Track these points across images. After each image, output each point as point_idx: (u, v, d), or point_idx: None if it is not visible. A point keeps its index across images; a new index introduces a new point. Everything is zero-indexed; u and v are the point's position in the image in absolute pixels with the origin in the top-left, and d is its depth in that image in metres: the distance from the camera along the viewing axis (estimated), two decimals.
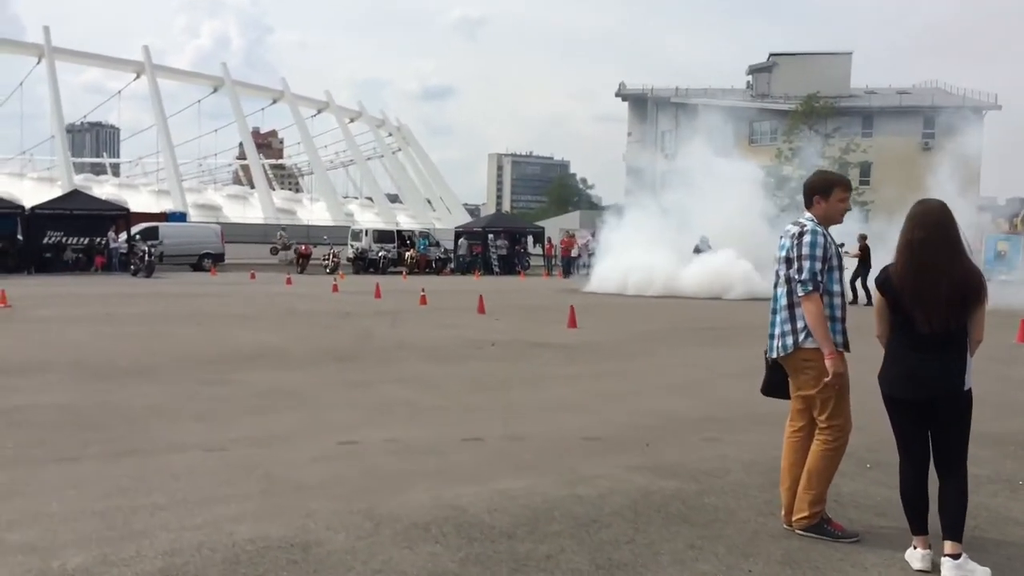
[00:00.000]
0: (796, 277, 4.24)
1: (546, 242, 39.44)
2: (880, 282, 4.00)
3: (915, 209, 3.93)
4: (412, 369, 9.76)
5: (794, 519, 4.37)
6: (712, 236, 24.29)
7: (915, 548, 3.99)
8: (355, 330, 13.72)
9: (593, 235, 41.48)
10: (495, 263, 36.78)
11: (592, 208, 76.62)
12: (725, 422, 7.14)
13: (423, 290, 19.60)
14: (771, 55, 67.39)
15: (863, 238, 21.12)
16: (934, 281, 3.78)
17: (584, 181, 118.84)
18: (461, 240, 37.88)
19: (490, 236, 37.45)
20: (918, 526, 3.99)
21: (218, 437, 6.25)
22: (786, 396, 4.58)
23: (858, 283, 20.53)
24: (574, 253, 38.79)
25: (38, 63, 78.55)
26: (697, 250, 24.47)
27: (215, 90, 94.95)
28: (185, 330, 13.22)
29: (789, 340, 4.31)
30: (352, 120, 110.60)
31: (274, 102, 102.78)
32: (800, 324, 4.28)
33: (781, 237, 4.44)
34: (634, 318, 16.85)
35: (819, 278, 4.23)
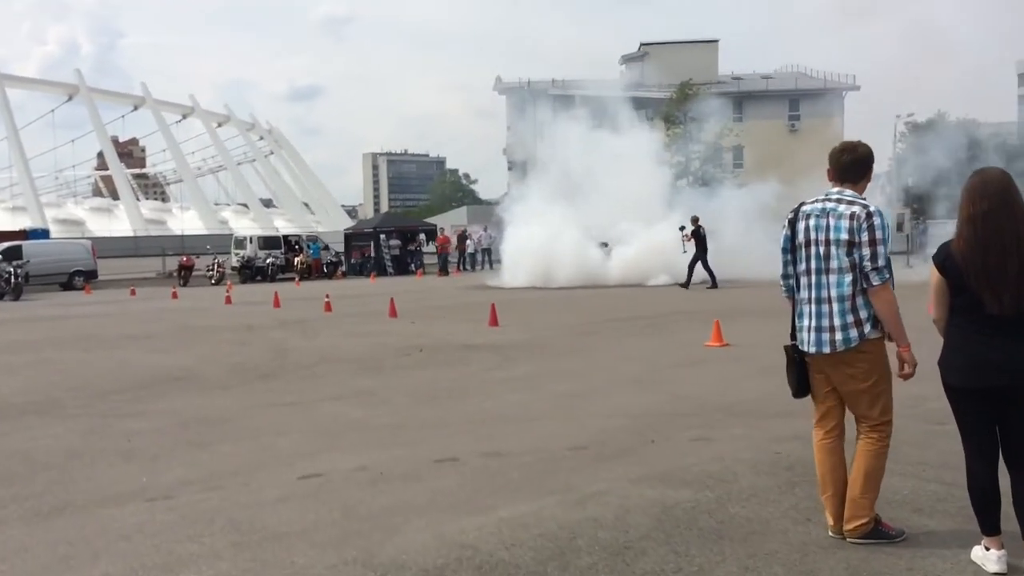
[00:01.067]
0: (869, 264, 3.83)
1: (439, 236, 38.71)
2: (940, 261, 3.64)
3: (973, 180, 3.59)
4: (346, 383, 9.03)
5: (851, 527, 3.98)
6: (614, 215, 24.23)
7: (987, 549, 3.67)
8: (266, 344, 12.79)
9: (486, 229, 41.10)
10: (389, 264, 35.85)
11: (478, 203, 76.28)
12: (700, 418, 6.79)
13: (327, 296, 18.68)
14: (642, 45, 68.75)
15: (695, 220, 21.63)
16: (1002, 257, 3.45)
17: (467, 176, 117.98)
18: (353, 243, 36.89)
19: (382, 237, 36.45)
20: (990, 525, 3.67)
21: (158, 481, 5.44)
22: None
23: (699, 265, 21.20)
24: (469, 249, 38.35)
25: None
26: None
27: (70, 98, 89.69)
28: (75, 356, 11.99)
29: (853, 333, 3.89)
30: (220, 124, 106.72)
31: (135, 108, 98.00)
32: (864, 314, 3.89)
33: (825, 217, 3.96)
34: (553, 312, 16.50)
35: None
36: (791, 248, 4.10)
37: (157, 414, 7.64)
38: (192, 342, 13.37)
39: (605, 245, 24.56)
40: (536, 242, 24.10)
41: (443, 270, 34.32)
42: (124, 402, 8.30)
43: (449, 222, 49.96)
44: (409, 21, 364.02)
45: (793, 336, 4.17)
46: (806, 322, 4.04)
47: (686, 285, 21.06)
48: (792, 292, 4.17)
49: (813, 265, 4.00)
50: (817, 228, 3.97)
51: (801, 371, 4.14)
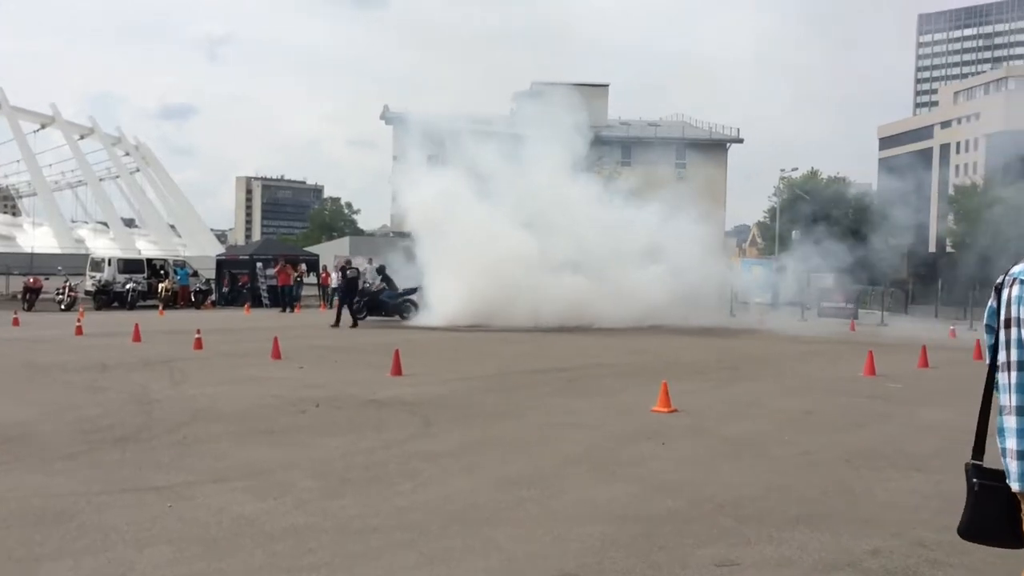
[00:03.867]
0: None
1: (322, 271, 36.36)
2: None
3: None
4: (229, 455, 7.15)
5: None
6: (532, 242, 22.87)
7: None
8: (125, 390, 10.62)
9: (371, 262, 39.04)
10: (265, 296, 33.25)
11: (359, 234, 73.83)
12: (703, 524, 5.35)
13: (198, 331, 16.42)
14: (533, 84, 68.73)
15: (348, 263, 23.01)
16: None
17: (349, 206, 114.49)
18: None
19: (259, 264, 33.88)
20: None
21: None
22: (1007, 542, 2.79)
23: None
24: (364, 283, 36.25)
25: None
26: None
27: None
28: None
29: None
30: (83, 137, 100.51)
31: None
32: None
33: (1007, 287, 2.66)
34: (460, 359, 14.88)
35: None
36: (996, 326, 2.72)
37: None
38: (31, 385, 11.03)
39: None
40: (437, 278, 22.48)
41: (330, 303, 31.83)
42: None
43: (331, 252, 47.56)
44: (290, 46, 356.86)
45: (978, 452, 2.77)
46: (1010, 443, 2.64)
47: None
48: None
49: (1015, 356, 2.63)
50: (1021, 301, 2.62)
51: (985, 505, 2.73)
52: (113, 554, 4.66)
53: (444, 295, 23.35)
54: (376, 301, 23.54)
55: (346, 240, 62.36)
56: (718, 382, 12.28)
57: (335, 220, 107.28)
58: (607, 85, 73.39)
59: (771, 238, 62.77)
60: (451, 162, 25.83)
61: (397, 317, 23.66)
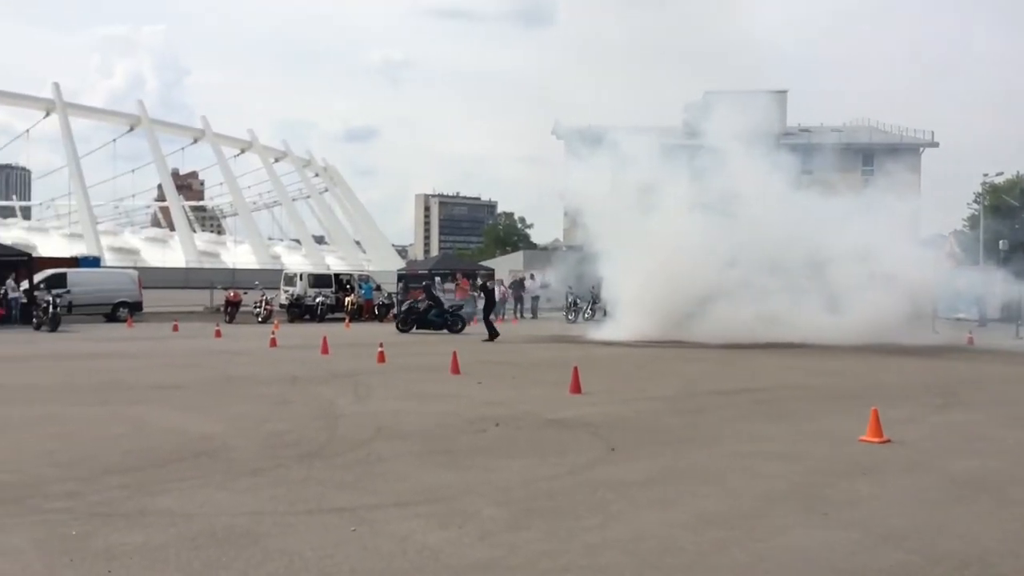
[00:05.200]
0: None
1: (497, 285, 36.72)
2: None
3: None
4: (412, 477, 6.96)
5: None
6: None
7: None
8: (312, 405, 10.81)
9: (532, 276, 39.01)
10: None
11: (532, 248, 74.48)
12: None
13: (380, 345, 16.73)
14: (706, 93, 66.92)
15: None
16: None
17: (522, 220, 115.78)
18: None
19: (437, 279, 34.60)
20: None
21: None
22: None
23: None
24: (530, 294, 36.42)
25: None
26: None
27: (131, 129, 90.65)
28: (87, 412, 10.12)
29: None
30: (277, 160, 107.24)
31: (195, 141, 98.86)
32: None
33: None
34: (641, 377, 14.32)
35: None
36: None
37: (159, 517, 5.64)
38: (226, 398, 11.45)
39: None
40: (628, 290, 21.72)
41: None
42: (123, 491, 6.32)
43: (506, 266, 48.00)
44: (462, 67, 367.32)
45: None
46: None
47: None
48: None
49: None
50: None
51: None
52: None
53: (624, 309, 22.80)
54: (424, 320, 24.44)
55: (520, 254, 62.90)
56: (931, 408, 11.08)
57: (509, 234, 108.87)
58: (785, 91, 70.39)
59: (972, 248, 57.83)
60: (626, 173, 25.25)
61: (445, 330, 24.18)
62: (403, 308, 25.15)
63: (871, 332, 20.04)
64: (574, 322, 31.19)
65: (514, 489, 6.54)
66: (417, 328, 24.30)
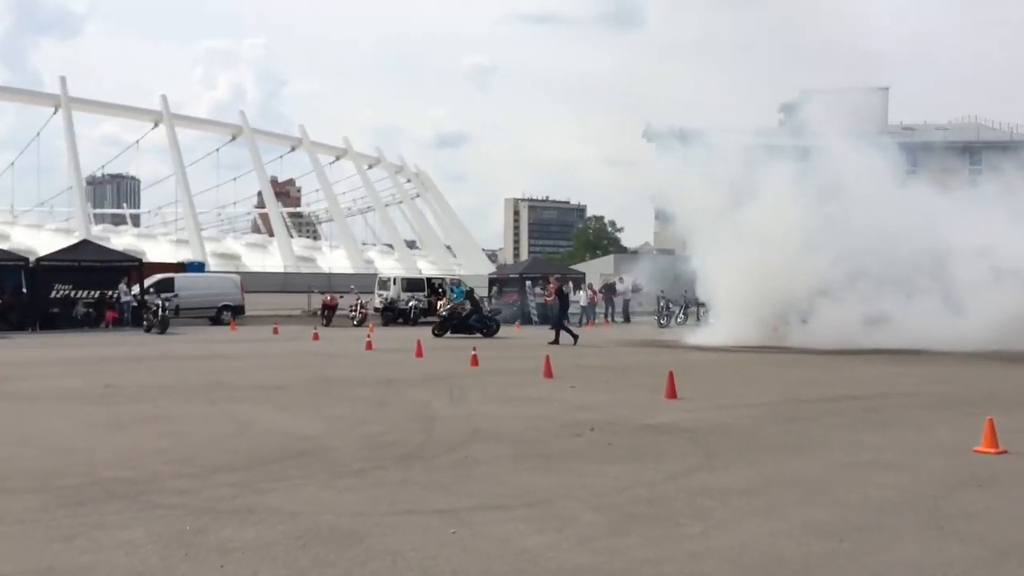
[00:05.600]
0: None
1: (587, 289, 36.58)
2: None
3: None
4: (508, 479, 6.97)
5: None
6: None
7: None
8: (408, 407, 10.97)
9: (621, 280, 38.61)
10: (534, 312, 33.97)
11: (623, 251, 73.95)
12: None
13: (473, 349, 16.86)
14: (803, 91, 65.17)
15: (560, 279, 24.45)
16: None
17: (612, 224, 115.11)
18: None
19: (527, 283, 34.71)
20: None
21: None
22: None
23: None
24: (622, 297, 36.15)
25: (55, 113, 77.50)
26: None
27: (233, 138, 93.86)
28: (196, 412, 10.52)
29: None
30: (371, 166, 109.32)
31: (292, 150, 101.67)
32: None
33: None
34: (739, 383, 14.03)
35: None
36: None
37: (268, 515, 5.80)
38: (325, 399, 11.72)
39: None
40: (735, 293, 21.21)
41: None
42: (232, 488, 6.53)
43: (596, 270, 47.83)
44: (551, 71, 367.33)
45: None
46: None
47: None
48: None
49: None
50: None
51: None
52: None
53: (719, 313, 22.39)
54: (465, 324, 24.55)
55: (610, 258, 62.64)
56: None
57: (599, 238, 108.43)
58: (887, 88, 68.01)
59: None
60: (719, 174, 24.81)
61: (479, 334, 24.22)
62: (444, 314, 25.12)
63: (994, 337, 18.63)
64: (666, 326, 30.82)
65: (612, 494, 6.48)
66: (452, 332, 24.41)
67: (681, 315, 32.48)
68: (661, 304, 32.75)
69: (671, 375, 12.02)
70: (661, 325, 31.33)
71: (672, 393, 11.71)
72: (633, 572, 4.74)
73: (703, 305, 29.84)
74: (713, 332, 22.25)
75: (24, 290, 27.41)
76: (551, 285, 31.40)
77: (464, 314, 24.79)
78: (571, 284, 34.48)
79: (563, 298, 23.63)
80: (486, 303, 35.28)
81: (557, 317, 23.20)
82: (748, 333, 21.00)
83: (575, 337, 21.98)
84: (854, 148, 22.59)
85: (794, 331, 20.66)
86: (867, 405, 11.32)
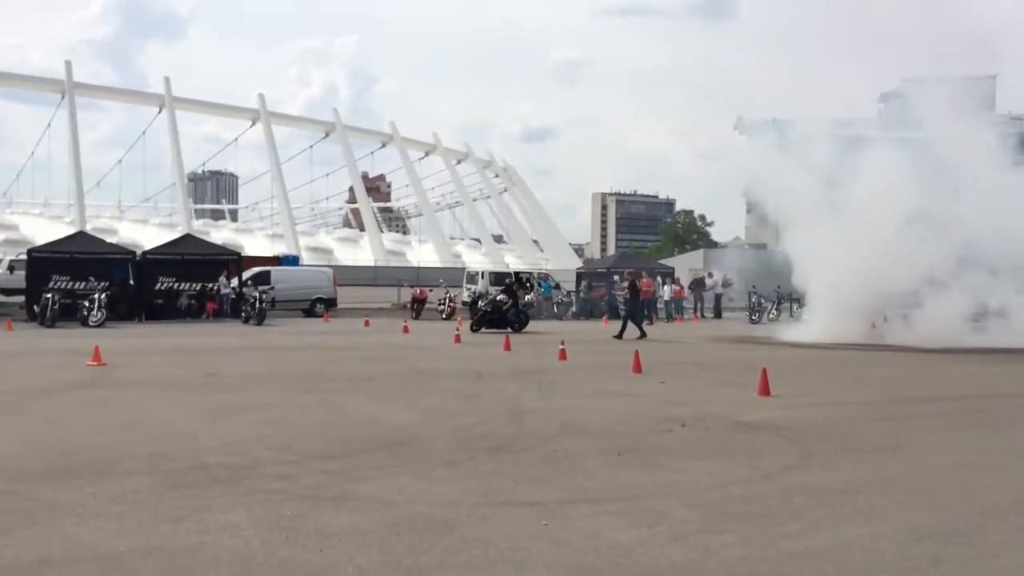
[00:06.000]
0: None
1: (676, 284, 36.12)
2: None
3: None
4: (599, 473, 6.95)
5: None
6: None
7: None
8: (497, 399, 11.06)
9: (710, 275, 37.93)
10: (622, 308, 33.69)
11: (712, 246, 72.73)
12: None
13: (562, 343, 16.86)
14: (903, 81, 62.80)
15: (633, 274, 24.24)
16: None
17: (703, 218, 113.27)
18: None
19: (615, 278, 34.47)
20: None
21: None
22: None
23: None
24: (712, 292, 35.60)
25: (159, 112, 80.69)
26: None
27: (326, 135, 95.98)
28: (293, 400, 10.83)
29: None
30: (459, 161, 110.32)
31: (383, 146, 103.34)
32: None
33: None
34: (834, 382, 13.65)
35: None
36: None
37: (363, 503, 5.94)
38: (416, 390, 11.91)
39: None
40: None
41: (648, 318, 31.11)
42: (329, 476, 6.71)
43: (685, 265, 47.17)
44: (640, 64, 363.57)
45: None
46: None
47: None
48: None
49: None
50: None
51: None
52: (493, 572, 4.60)
53: (815, 309, 21.79)
54: (504, 319, 23.95)
55: (700, 252, 61.64)
56: None
57: (688, 233, 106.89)
58: (994, 76, 64.83)
59: None
60: (815, 166, 24.11)
61: (509, 328, 23.60)
62: (484, 307, 24.51)
63: None
64: (758, 322, 30.17)
65: (705, 491, 6.39)
66: (487, 328, 23.85)
67: (774, 311, 31.77)
68: (753, 299, 32.10)
69: (764, 371, 11.78)
70: (753, 321, 30.70)
71: (765, 390, 11.47)
72: (728, 570, 4.67)
73: (797, 300, 29.16)
74: (808, 328, 21.69)
75: (131, 282, 28.68)
76: (644, 281, 31.15)
77: (505, 308, 24.38)
78: (659, 279, 34.13)
79: (635, 292, 23.23)
80: (572, 296, 35.36)
81: (628, 311, 23.05)
82: (845, 329, 20.38)
83: (643, 333, 21.70)
84: (962, 135, 21.60)
85: (894, 328, 19.96)
86: (972, 406, 10.87)
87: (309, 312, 31.79)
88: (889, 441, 8.54)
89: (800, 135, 24.57)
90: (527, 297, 32.86)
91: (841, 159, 23.62)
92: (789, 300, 31.60)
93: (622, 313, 32.86)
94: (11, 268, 34.40)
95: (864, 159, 22.27)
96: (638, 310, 23.44)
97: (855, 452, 7.95)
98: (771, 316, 31.16)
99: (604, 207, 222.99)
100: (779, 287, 32.15)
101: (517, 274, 37.09)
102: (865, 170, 21.87)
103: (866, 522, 5.63)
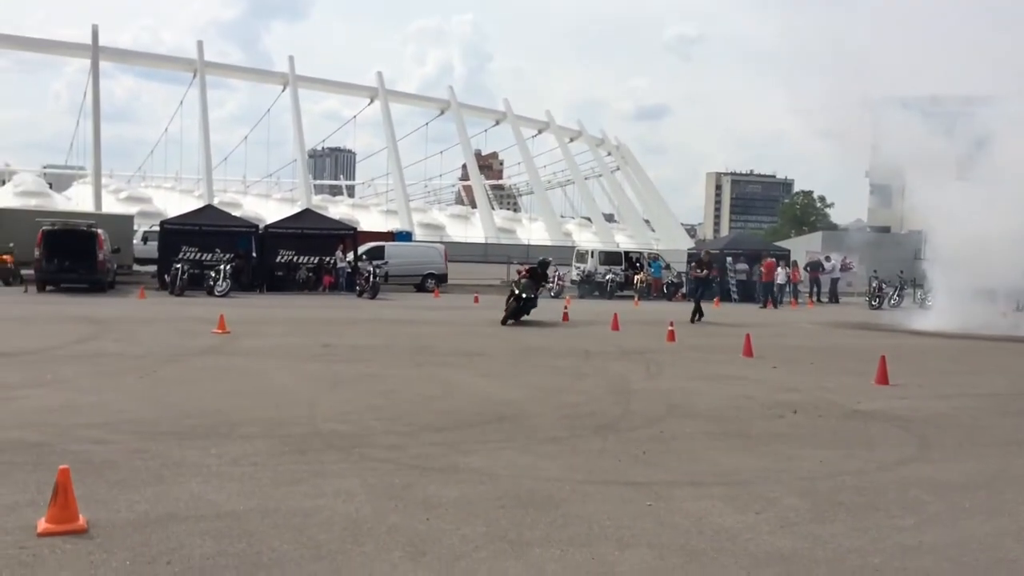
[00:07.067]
0: None
1: (792, 267, 35.05)
2: None
3: None
4: (705, 458, 6.88)
5: None
6: None
7: None
8: (604, 378, 11.05)
9: (828, 258, 36.53)
10: (734, 290, 33.02)
11: (832, 228, 70.07)
12: None
13: (671, 324, 16.66)
14: None
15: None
16: None
17: (822, 199, 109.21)
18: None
19: (728, 259, 33.75)
20: None
21: None
22: None
23: None
24: (830, 276, 34.40)
25: (283, 91, 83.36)
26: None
27: (441, 113, 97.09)
28: (403, 372, 11.11)
29: None
30: (571, 140, 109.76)
31: (496, 124, 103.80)
32: None
33: None
34: (960, 372, 13.04)
35: None
36: None
37: (470, 475, 6.06)
38: (524, 367, 12.02)
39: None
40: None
41: (766, 301, 30.18)
42: (438, 447, 6.87)
43: (802, 247, 45.69)
44: (757, 40, 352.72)
45: None
46: None
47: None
48: None
49: None
50: None
51: None
52: (596, 550, 4.62)
53: (940, 296, 20.78)
54: (527, 308, 19.56)
55: (818, 235, 59.54)
56: None
57: (806, 214, 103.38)
58: None
59: None
60: (948, 147, 22.87)
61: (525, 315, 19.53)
62: (529, 295, 19.42)
63: None
64: (878, 308, 29.00)
65: (817, 479, 6.24)
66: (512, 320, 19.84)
67: (895, 297, 30.47)
68: (873, 285, 30.85)
69: (883, 359, 11.35)
70: (873, 307, 29.53)
71: (883, 379, 11.06)
72: (838, 561, 4.56)
73: (921, 287, 27.85)
74: (932, 316, 20.72)
75: (254, 254, 29.91)
76: (767, 263, 30.32)
77: (530, 296, 19.81)
78: (780, 262, 33.20)
79: (704, 272, 22.67)
80: (682, 277, 34.76)
81: (691, 292, 22.60)
82: (972, 318, 19.38)
83: (698, 316, 20.90)
84: None
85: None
86: None
87: (420, 287, 32.42)
88: (1017, 435, 8.13)
89: (932, 112, 23.41)
90: (637, 277, 32.65)
91: (975, 139, 22.36)
92: (913, 286, 30.21)
93: (734, 296, 32.32)
94: (145, 239, 36.40)
95: (1001, 139, 20.99)
96: (703, 291, 22.79)
97: (979, 446, 7.59)
98: (893, 302, 29.91)
99: (718, 187, 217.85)
100: (902, 272, 30.76)
101: (627, 254, 36.85)
102: (999, 153, 20.63)
103: (988, 519, 5.39)
